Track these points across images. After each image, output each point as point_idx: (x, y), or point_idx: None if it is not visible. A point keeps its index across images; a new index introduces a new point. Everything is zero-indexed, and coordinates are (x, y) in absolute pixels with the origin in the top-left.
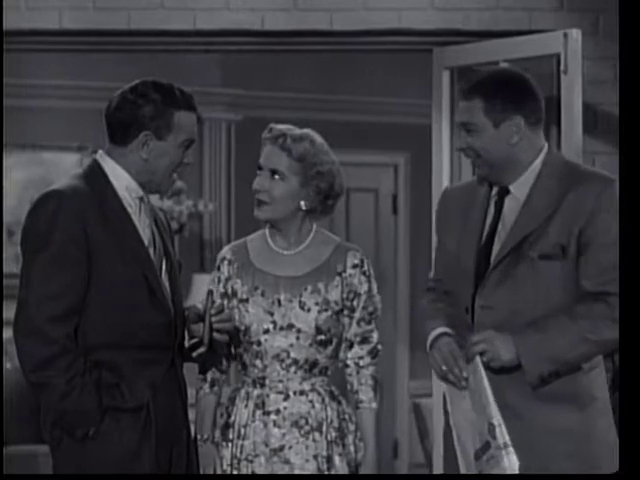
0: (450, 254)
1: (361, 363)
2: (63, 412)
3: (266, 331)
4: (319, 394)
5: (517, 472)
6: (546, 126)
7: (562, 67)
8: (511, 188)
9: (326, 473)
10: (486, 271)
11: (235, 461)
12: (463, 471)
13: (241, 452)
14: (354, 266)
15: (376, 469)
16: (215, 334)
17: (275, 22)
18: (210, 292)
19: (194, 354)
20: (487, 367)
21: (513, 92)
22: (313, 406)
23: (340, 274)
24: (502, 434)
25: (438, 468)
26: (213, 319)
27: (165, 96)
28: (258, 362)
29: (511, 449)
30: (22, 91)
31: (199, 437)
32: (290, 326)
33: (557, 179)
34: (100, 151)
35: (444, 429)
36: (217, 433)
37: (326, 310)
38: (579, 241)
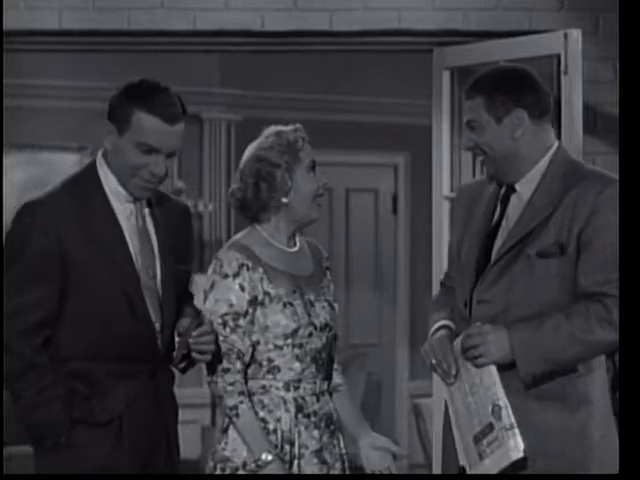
0: (454, 249)
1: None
2: (33, 423)
3: (310, 334)
4: (329, 393)
5: (522, 454)
6: None
7: (562, 67)
8: (517, 186)
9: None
10: (486, 267)
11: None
12: (461, 457)
13: (284, 456)
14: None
15: None
16: (194, 354)
17: (275, 22)
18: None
19: (172, 365)
20: (474, 364)
21: (513, 86)
22: (329, 405)
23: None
24: (508, 415)
25: (438, 468)
26: (190, 340)
27: (135, 95)
28: (297, 365)
29: (517, 430)
30: (22, 91)
31: (256, 459)
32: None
33: (560, 178)
34: (101, 150)
35: (443, 429)
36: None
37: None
38: (579, 240)
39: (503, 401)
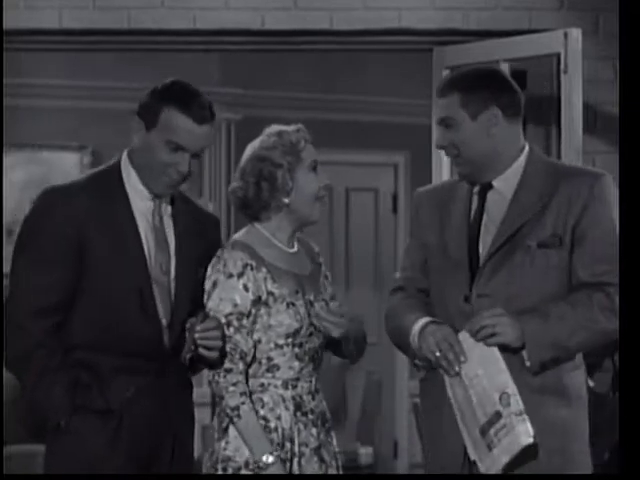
0: (432, 249)
1: None
2: (33, 403)
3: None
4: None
5: (532, 439)
6: (546, 126)
7: (562, 66)
8: (494, 183)
9: (342, 473)
10: (478, 262)
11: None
12: (471, 451)
13: (285, 454)
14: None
15: None
16: (201, 350)
17: (275, 21)
18: (203, 310)
19: (186, 362)
20: (487, 344)
21: (488, 85)
22: (322, 403)
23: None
24: (517, 402)
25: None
26: (196, 335)
27: (166, 94)
28: (296, 364)
29: (526, 416)
30: (22, 90)
31: (257, 461)
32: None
33: (543, 177)
34: (127, 148)
35: (428, 432)
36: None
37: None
38: (574, 233)
39: (512, 389)
